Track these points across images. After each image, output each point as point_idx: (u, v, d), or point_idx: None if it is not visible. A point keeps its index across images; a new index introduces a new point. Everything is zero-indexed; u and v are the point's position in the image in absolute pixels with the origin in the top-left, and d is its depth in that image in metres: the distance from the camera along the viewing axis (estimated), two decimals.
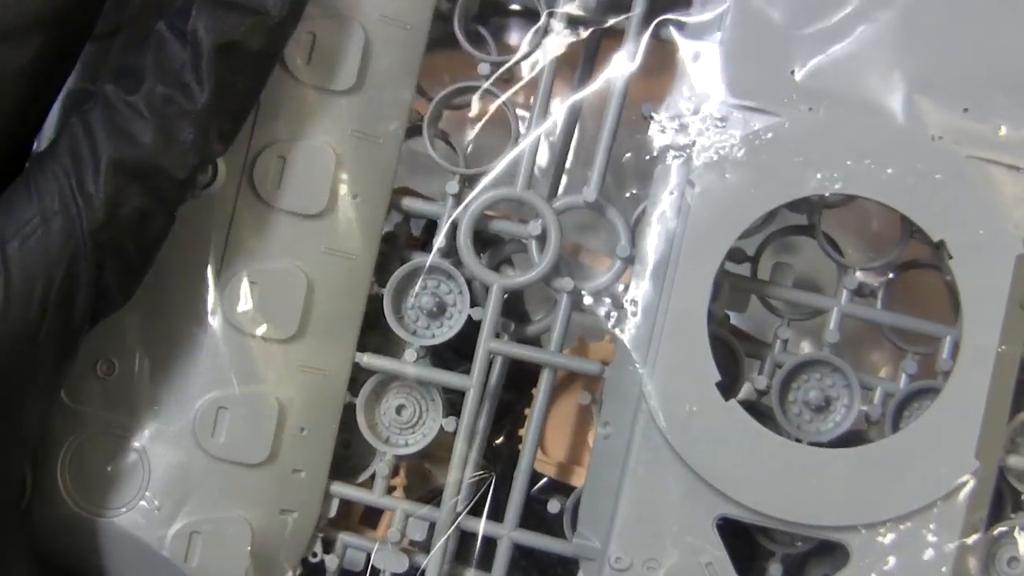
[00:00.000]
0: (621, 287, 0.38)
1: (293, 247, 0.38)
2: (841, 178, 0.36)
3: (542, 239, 0.39)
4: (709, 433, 0.36)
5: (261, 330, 0.37)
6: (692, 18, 0.38)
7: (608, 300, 0.39)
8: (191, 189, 0.35)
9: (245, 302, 0.37)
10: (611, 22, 0.40)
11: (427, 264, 0.39)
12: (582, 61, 0.42)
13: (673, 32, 0.38)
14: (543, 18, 0.39)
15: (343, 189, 0.38)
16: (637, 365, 0.36)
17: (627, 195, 0.40)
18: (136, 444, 0.37)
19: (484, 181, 0.39)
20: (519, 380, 0.41)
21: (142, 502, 0.37)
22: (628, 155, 0.38)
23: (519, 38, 0.40)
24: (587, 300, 0.38)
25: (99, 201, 0.32)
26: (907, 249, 0.39)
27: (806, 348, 0.46)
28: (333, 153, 0.38)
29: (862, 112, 0.36)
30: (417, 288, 0.40)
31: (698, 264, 0.36)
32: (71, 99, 0.37)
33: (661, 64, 0.39)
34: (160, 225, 0.34)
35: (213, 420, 0.37)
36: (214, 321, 0.37)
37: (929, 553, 0.35)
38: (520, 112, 0.40)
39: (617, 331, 0.37)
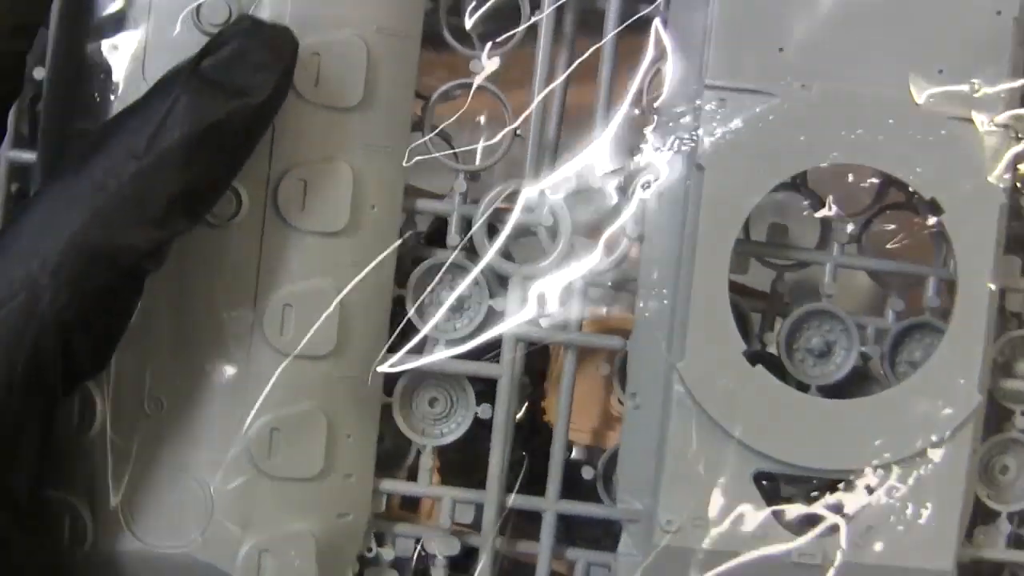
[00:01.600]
0: None
1: (323, 265, 0.39)
2: (839, 150, 0.38)
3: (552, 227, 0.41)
4: (743, 400, 0.39)
5: (302, 349, 0.38)
6: None
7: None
8: (158, 261, 0.35)
9: (283, 324, 0.38)
10: None
11: (447, 262, 0.41)
12: (566, 42, 0.43)
13: (658, 27, 0.40)
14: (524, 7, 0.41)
15: (362, 202, 0.39)
16: (663, 344, 0.39)
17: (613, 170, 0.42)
18: (195, 475, 0.38)
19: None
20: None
21: (210, 530, 0.38)
22: (640, 149, 0.40)
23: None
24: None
25: (62, 281, 0.32)
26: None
27: None
28: (350, 169, 0.38)
29: (851, 84, 0.38)
30: (454, 290, 0.41)
31: (716, 242, 0.38)
32: None
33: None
34: (127, 297, 0.34)
35: (268, 441, 0.38)
36: (255, 346, 0.38)
37: (946, 475, 0.39)
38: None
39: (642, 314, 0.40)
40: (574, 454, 0.46)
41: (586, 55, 0.41)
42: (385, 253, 0.39)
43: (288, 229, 0.38)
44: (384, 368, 0.40)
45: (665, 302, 0.39)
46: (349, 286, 0.38)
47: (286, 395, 0.38)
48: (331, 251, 0.39)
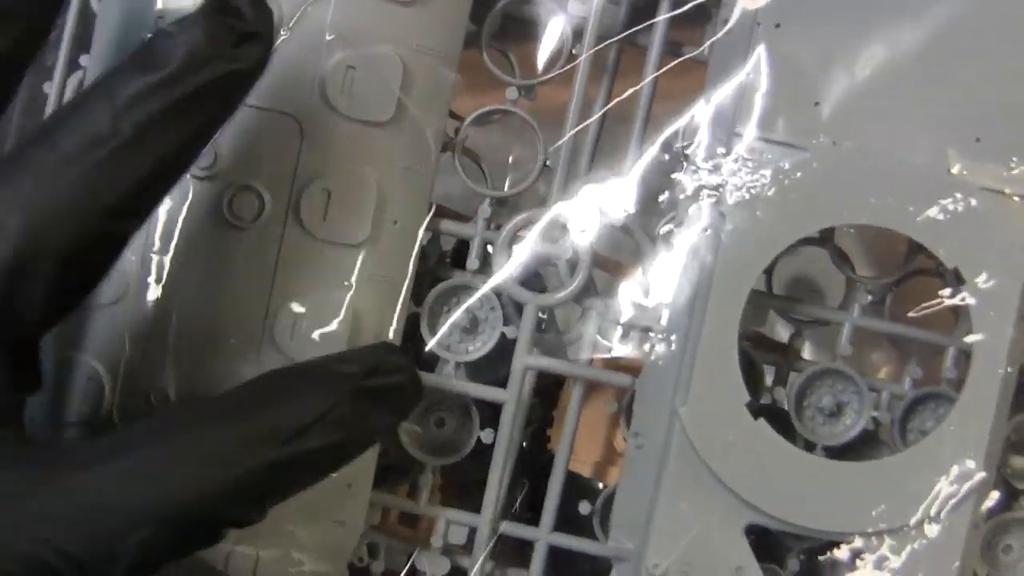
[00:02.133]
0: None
1: (338, 276, 0.39)
2: (864, 211, 0.38)
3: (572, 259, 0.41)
4: (741, 452, 0.38)
5: (310, 356, 0.39)
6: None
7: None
8: None
9: (295, 331, 0.39)
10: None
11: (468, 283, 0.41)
12: (607, 76, 0.43)
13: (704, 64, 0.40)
14: (567, 38, 0.41)
15: (384, 217, 0.39)
16: (671, 391, 0.39)
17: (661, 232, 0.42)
18: None
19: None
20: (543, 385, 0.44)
21: None
22: (665, 194, 0.40)
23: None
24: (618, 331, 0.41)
25: None
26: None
27: (806, 348, 0.48)
28: (375, 184, 0.39)
29: (883, 145, 0.38)
30: (459, 311, 0.41)
31: (729, 296, 0.38)
32: None
33: (684, 79, 0.41)
34: None
35: None
36: (266, 350, 0.39)
37: (940, 551, 0.38)
38: None
39: (650, 357, 0.40)
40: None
41: (624, 95, 0.41)
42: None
43: (307, 237, 0.39)
44: None
45: (673, 348, 0.39)
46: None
47: None
48: (348, 263, 0.39)
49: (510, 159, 0.46)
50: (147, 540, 0.31)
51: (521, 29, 0.43)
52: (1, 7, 0.32)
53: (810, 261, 0.45)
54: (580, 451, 0.44)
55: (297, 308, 0.38)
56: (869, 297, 0.41)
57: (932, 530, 0.38)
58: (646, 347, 0.40)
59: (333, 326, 0.39)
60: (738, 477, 0.38)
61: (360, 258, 0.39)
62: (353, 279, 0.39)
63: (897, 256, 0.42)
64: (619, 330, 0.40)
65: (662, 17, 0.40)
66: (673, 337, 0.39)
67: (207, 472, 0.32)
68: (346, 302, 0.39)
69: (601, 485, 0.44)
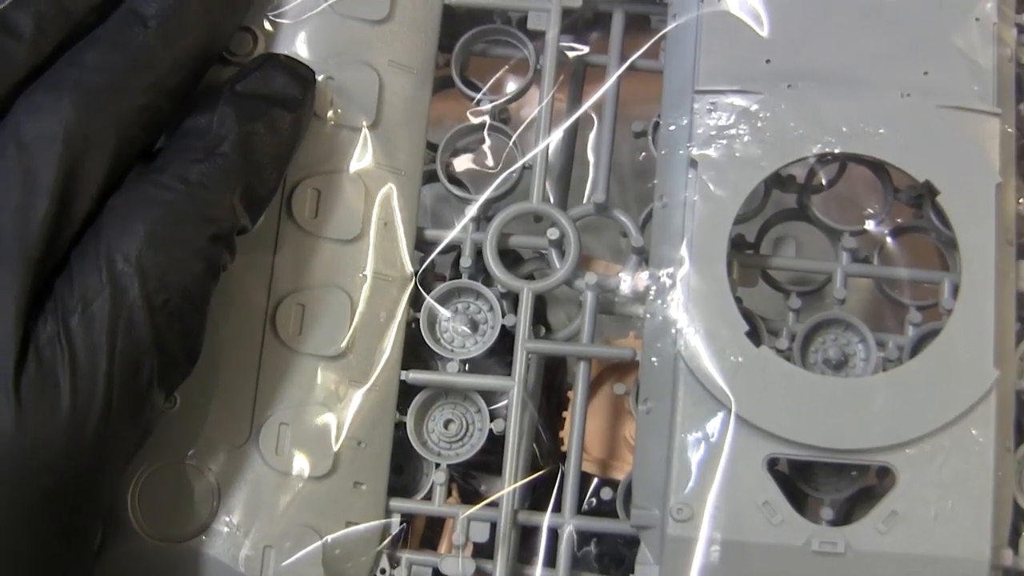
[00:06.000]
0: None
1: (334, 271, 0.40)
2: (831, 137, 0.39)
3: (560, 245, 0.42)
4: (750, 380, 0.38)
5: (312, 348, 0.40)
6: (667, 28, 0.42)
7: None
8: (231, 251, 0.37)
9: (294, 324, 0.40)
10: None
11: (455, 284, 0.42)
12: (571, 80, 0.46)
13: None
14: (531, 58, 0.44)
15: (374, 217, 0.41)
16: (680, 328, 0.39)
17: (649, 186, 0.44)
18: (205, 469, 0.38)
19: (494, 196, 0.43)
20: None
21: (216, 524, 0.38)
22: (643, 155, 0.42)
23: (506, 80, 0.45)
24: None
25: (146, 268, 0.34)
26: (895, 215, 0.43)
27: None
28: (362, 183, 0.41)
29: (838, 84, 0.40)
30: (448, 313, 0.42)
31: (715, 227, 0.39)
32: None
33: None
34: (206, 282, 0.36)
35: (276, 437, 0.39)
36: (267, 344, 0.39)
37: (970, 461, 0.37)
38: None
39: (659, 303, 0.40)
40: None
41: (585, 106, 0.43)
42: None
43: (300, 234, 0.40)
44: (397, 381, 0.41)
45: (670, 299, 0.39)
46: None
47: (296, 392, 0.39)
48: (341, 258, 0.40)
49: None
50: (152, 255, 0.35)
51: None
52: None
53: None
54: (592, 449, 0.43)
55: (296, 301, 0.40)
56: (854, 241, 0.42)
57: (960, 435, 0.37)
58: (646, 283, 0.40)
59: (331, 317, 0.40)
60: (749, 406, 0.38)
61: (352, 254, 0.40)
62: (348, 273, 0.40)
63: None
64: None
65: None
66: (669, 272, 0.39)
67: (151, 206, 0.35)
68: (343, 295, 0.40)
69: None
